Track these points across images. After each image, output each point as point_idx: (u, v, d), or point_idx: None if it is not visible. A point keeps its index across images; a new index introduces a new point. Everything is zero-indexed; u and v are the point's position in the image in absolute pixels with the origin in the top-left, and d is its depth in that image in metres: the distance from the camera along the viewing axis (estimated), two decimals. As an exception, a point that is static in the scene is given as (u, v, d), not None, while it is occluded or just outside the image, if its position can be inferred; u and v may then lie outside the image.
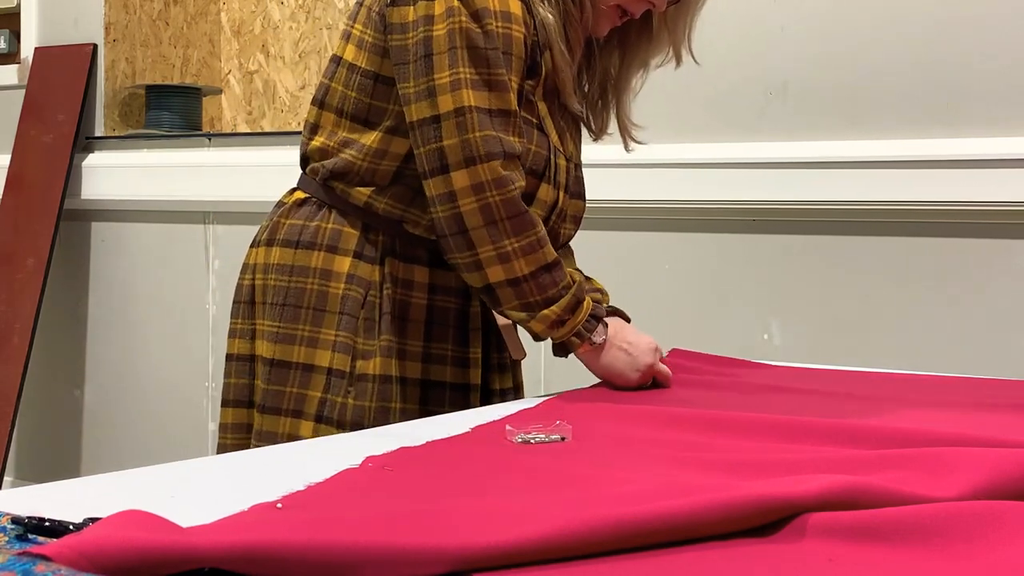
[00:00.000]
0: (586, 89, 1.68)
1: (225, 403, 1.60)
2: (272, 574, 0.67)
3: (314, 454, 1.13)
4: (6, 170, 3.55)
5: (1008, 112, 2.31)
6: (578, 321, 1.49)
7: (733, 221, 2.57)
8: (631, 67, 1.67)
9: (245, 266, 1.61)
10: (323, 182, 1.54)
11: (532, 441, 1.14)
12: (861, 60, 2.44)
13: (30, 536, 0.72)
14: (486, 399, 1.59)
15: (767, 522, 0.81)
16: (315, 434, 1.49)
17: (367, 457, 1.03)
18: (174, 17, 3.72)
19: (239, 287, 1.62)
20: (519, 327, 1.57)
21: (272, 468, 1.06)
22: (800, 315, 2.51)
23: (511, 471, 1.00)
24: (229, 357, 1.60)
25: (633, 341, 1.53)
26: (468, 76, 1.43)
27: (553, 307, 1.47)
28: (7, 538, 0.72)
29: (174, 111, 3.51)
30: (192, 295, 3.33)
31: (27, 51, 3.63)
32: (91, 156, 3.49)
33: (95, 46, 3.51)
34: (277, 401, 1.53)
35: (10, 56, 3.67)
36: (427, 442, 1.13)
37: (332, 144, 1.53)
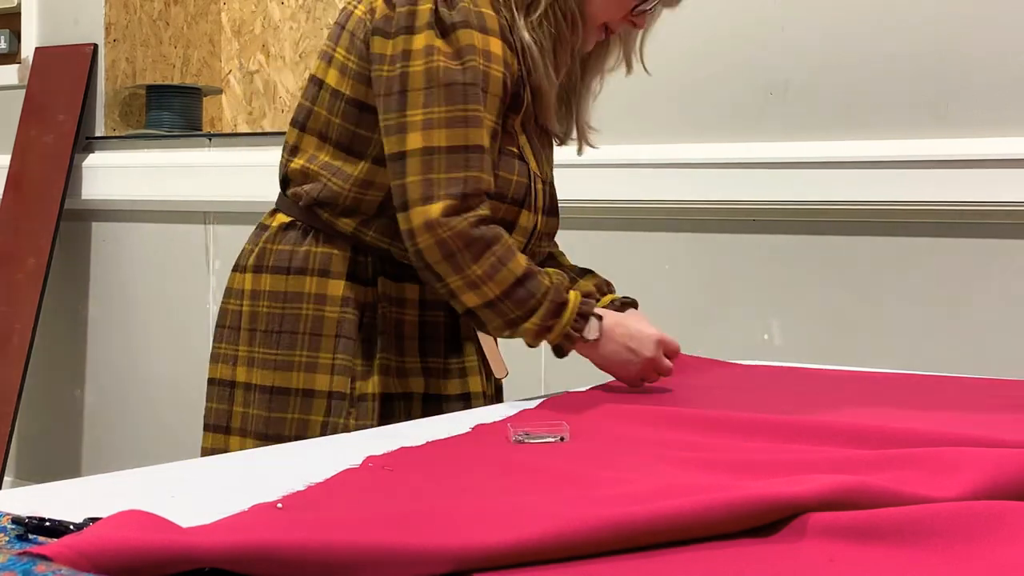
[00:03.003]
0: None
1: (205, 427, 1.60)
2: (272, 574, 0.67)
3: (314, 454, 1.13)
4: (6, 170, 3.55)
5: (1007, 112, 2.31)
6: (564, 323, 1.47)
7: (733, 221, 2.56)
8: (589, 74, 1.68)
9: (229, 291, 1.60)
10: (307, 207, 1.54)
11: (532, 441, 1.14)
12: (861, 60, 2.44)
13: (30, 536, 0.72)
14: (490, 402, 1.60)
15: (767, 522, 0.81)
16: None
17: (367, 457, 1.03)
18: (174, 17, 3.72)
19: (223, 312, 1.61)
20: (501, 342, 1.57)
21: (272, 468, 1.06)
22: (800, 315, 2.51)
23: (511, 471, 1.00)
24: (211, 381, 1.60)
25: (634, 334, 1.51)
26: (440, 115, 1.43)
27: (533, 319, 1.46)
28: (7, 538, 0.72)
29: (174, 111, 3.51)
30: (192, 295, 3.33)
31: (27, 51, 3.63)
32: (91, 156, 3.49)
33: (95, 46, 3.51)
34: (279, 428, 1.52)
35: (10, 56, 3.67)
36: (427, 442, 1.13)
37: (314, 168, 1.53)
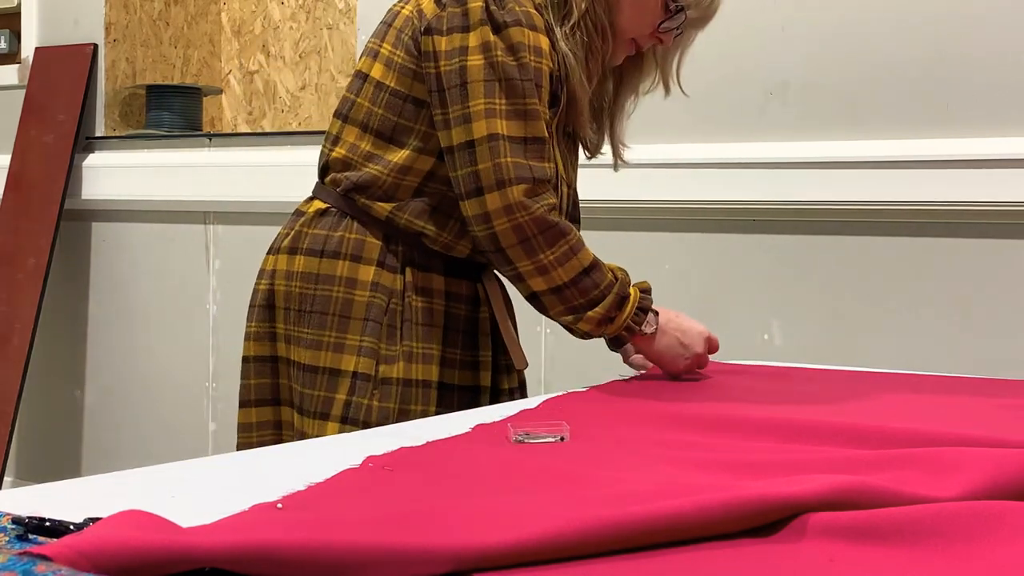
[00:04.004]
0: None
1: (245, 403, 1.64)
2: (272, 574, 0.67)
3: (314, 454, 1.13)
4: (6, 170, 3.55)
5: (1008, 112, 2.31)
6: (625, 316, 1.56)
7: (733, 221, 2.57)
8: (623, 93, 1.74)
9: (263, 271, 1.66)
10: (344, 193, 1.60)
11: (532, 441, 1.15)
12: (861, 60, 2.44)
13: (30, 536, 0.72)
14: (495, 399, 1.65)
15: (767, 522, 0.81)
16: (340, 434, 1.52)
17: (367, 457, 1.03)
18: (174, 17, 3.72)
19: (255, 292, 1.66)
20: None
21: (272, 468, 1.06)
22: (800, 315, 2.51)
23: (511, 471, 1.00)
24: (246, 359, 1.65)
25: (686, 329, 1.62)
26: (502, 106, 1.50)
27: (597, 308, 1.54)
28: (7, 538, 0.72)
29: (174, 111, 3.51)
30: (192, 295, 3.33)
31: (27, 51, 3.63)
32: (91, 156, 3.49)
33: (95, 46, 3.51)
34: (309, 404, 1.59)
35: (10, 56, 3.67)
36: (427, 442, 1.13)
37: (355, 157, 1.59)
